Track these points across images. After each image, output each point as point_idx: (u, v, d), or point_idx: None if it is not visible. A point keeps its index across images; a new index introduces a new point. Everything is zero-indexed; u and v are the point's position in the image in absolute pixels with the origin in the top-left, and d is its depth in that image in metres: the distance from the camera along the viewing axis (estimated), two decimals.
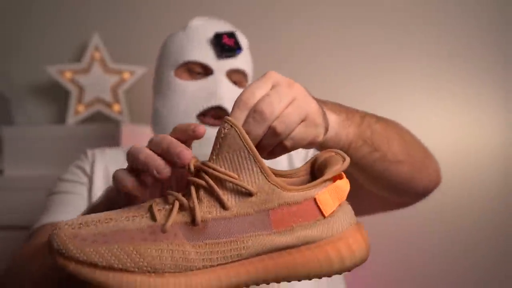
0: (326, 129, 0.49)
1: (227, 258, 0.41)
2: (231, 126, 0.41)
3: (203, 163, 0.42)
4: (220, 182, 0.41)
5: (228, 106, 0.79)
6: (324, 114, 0.49)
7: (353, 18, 1.29)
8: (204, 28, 0.85)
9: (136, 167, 0.43)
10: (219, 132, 0.41)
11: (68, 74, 1.31)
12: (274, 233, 0.41)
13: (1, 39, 1.44)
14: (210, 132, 0.78)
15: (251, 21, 1.32)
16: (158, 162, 0.42)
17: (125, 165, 0.46)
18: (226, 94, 0.79)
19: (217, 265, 0.41)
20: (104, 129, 1.20)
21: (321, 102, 0.51)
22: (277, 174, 0.45)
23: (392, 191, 0.67)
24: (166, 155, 0.42)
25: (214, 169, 0.41)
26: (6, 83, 1.42)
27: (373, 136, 0.60)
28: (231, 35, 0.83)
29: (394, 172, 0.63)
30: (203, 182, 0.41)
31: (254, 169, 0.41)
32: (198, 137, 0.43)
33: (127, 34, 1.38)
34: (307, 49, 1.30)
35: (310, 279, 0.44)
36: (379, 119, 0.63)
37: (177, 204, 0.41)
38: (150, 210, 0.42)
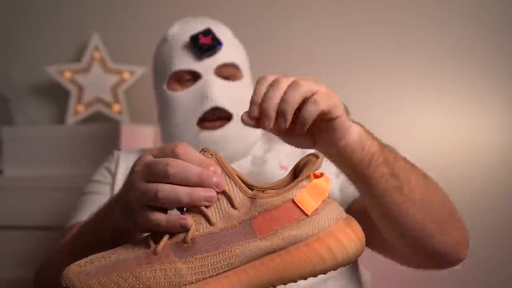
0: (347, 113, 0.53)
1: (218, 269, 0.43)
2: (211, 155, 0.45)
3: None
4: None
5: (224, 104, 0.78)
6: (345, 108, 0.53)
7: (354, 17, 1.29)
8: (181, 34, 0.84)
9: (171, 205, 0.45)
10: None
11: (68, 74, 1.31)
12: (260, 239, 0.43)
13: (1, 39, 1.44)
14: (212, 136, 0.78)
15: (248, 19, 1.32)
16: (207, 194, 0.44)
17: None
18: (219, 93, 0.79)
19: (209, 277, 0.43)
20: (104, 129, 1.20)
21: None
22: (265, 187, 0.47)
23: (404, 239, 0.64)
24: (197, 185, 0.44)
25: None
26: (6, 83, 1.42)
27: (395, 162, 0.59)
28: (207, 32, 0.81)
29: (407, 212, 0.60)
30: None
31: (234, 188, 0.44)
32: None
33: (127, 34, 1.38)
34: (305, 47, 1.30)
35: (305, 278, 0.44)
36: (405, 159, 0.62)
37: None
38: (145, 240, 0.46)
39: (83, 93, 1.31)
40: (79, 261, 0.45)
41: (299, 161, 0.48)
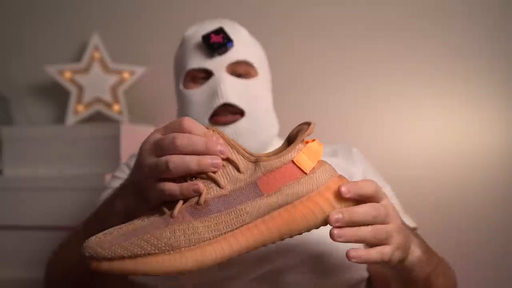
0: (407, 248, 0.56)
1: (232, 226, 0.48)
2: (213, 130, 0.50)
3: None
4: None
5: (234, 101, 0.79)
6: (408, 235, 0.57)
7: (354, 18, 1.28)
8: (195, 34, 0.86)
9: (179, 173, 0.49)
10: None
11: (68, 74, 1.31)
12: (266, 196, 0.49)
13: (1, 39, 1.44)
14: (225, 131, 0.79)
15: (249, 21, 1.32)
16: (214, 161, 0.49)
17: None
18: (229, 89, 0.79)
19: (225, 233, 0.48)
20: (104, 129, 1.19)
21: (410, 231, 0.59)
22: (262, 155, 0.52)
23: None
24: (204, 153, 0.49)
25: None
26: (6, 83, 1.42)
27: (434, 271, 0.65)
28: (218, 31, 0.83)
29: None
30: (200, 175, 0.49)
31: (237, 156, 0.49)
32: None
33: (127, 34, 1.38)
34: (305, 49, 1.30)
35: (309, 230, 0.49)
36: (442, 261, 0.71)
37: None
38: (159, 209, 0.50)
39: (83, 93, 1.31)
40: (96, 235, 0.48)
41: (292, 131, 0.53)
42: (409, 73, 1.25)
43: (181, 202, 0.48)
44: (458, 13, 1.24)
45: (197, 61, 0.83)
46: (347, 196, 0.49)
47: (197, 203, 0.48)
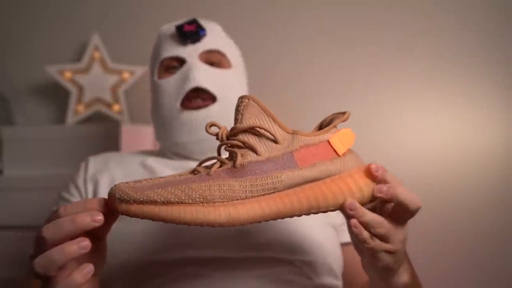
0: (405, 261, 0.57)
1: (265, 190, 0.48)
2: (248, 99, 0.51)
3: (233, 128, 0.51)
4: (249, 137, 0.51)
5: (206, 85, 0.79)
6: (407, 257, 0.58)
7: (353, 19, 1.29)
8: (169, 28, 0.87)
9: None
10: (238, 106, 0.51)
11: (68, 74, 1.31)
12: (300, 169, 0.50)
13: (1, 39, 1.44)
14: (194, 116, 0.79)
15: (248, 21, 1.32)
16: (94, 217, 0.47)
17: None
18: (201, 75, 0.79)
19: (258, 196, 0.48)
20: (104, 129, 1.19)
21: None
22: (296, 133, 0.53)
23: None
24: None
25: (243, 127, 0.50)
26: (6, 83, 1.42)
27: None
28: (192, 22, 0.84)
29: None
30: (235, 141, 0.50)
31: (274, 126, 0.51)
32: (98, 224, 0.48)
33: (127, 34, 1.38)
34: (304, 50, 1.30)
35: (336, 209, 0.50)
36: None
37: (214, 161, 0.50)
38: (193, 171, 0.50)
39: (83, 93, 1.31)
40: (126, 181, 0.48)
41: (326, 118, 0.55)
42: (408, 74, 1.25)
43: (218, 163, 0.49)
44: (458, 14, 1.24)
45: (171, 50, 0.83)
46: (375, 173, 0.51)
47: (233, 166, 0.49)
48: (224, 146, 0.51)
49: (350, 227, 0.50)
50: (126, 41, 1.38)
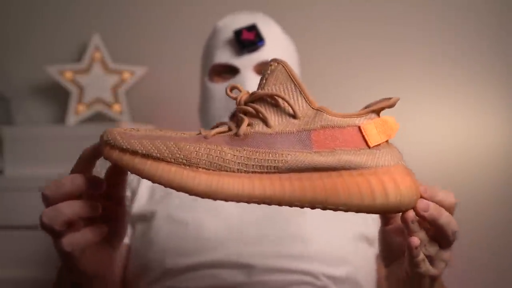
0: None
1: (263, 168, 0.41)
2: (277, 63, 0.43)
3: (253, 93, 0.44)
4: (265, 106, 0.43)
5: None
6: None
7: (354, 17, 1.28)
8: (227, 27, 0.84)
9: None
10: (265, 69, 0.44)
11: (68, 74, 1.31)
12: (315, 152, 0.41)
13: (1, 39, 1.44)
14: None
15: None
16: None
17: None
18: (254, 88, 0.77)
19: (252, 172, 0.41)
20: (104, 129, 1.19)
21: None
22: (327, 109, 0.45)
23: None
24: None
25: (261, 93, 0.43)
26: (6, 83, 1.42)
27: None
28: (251, 28, 0.81)
29: None
30: (249, 108, 0.44)
31: (299, 98, 0.43)
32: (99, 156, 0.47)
33: (127, 34, 1.38)
34: (304, 47, 1.30)
35: (348, 210, 0.41)
36: None
37: (224, 126, 0.45)
38: (200, 132, 0.44)
39: (84, 93, 1.31)
40: (124, 127, 0.46)
41: (373, 102, 0.46)
42: (408, 73, 1.25)
43: (220, 129, 0.44)
44: (459, 13, 1.24)
45: (225, 56, 0.81)
46: (425, 195, 0.44)
47: (236, 134, 0.43)
48: (238, 111, 0.45)
49: (410, 245, 0.43)
50: (126, 41, 1.38)
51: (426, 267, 0.45)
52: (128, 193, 0.84)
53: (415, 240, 0.42)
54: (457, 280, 1.20)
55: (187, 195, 0.75)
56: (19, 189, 1.17)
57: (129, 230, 0.80)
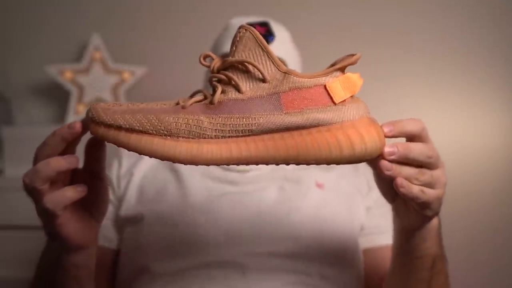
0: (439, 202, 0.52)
1: (238, 132, 0.45)
2: (245, 30, 0.46)
3: (224, 61, 0.47)
4: (237, 73, 0.46)
5: None
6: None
7: (354, 18, 1.29)
8: (239, 24, 0.84)
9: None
10: (235, 37, 0.46)
11: (68, 74, 1.31)
12: (285, 113, 0.45)
13: (1, 39, 1.44)
14: None
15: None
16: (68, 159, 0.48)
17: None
18: None
19: (229, 136, 0.45)
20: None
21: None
22: (294, 71, 0.47)
23: None
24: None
25: (231, 60, 0.46)
26: (6, 83, 1.42)
27: (441, 271, 0.65)
28: (263, 24, 0.81)
29: None
30: (222, 76, 0.46)
31: (267, 62, 0.46)
32: (75, 133, 0.48)
33: (127, 34, 1.38)
34: (305, 50, 1.30)
35: (319, 163, 0.45)
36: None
37: (200, 94, 0.48)
38: (178, 102, 0.48)
39: (84, 93, 1.31)
40: (107, 102, 0.48)
41: (337, 59, 0.48)
42: (408, 74, 1.25)
43: (196, 98, 0.47)
44: (459, 14, 1.24)
45: None
46: (390, 134, 0.46)
47: (211, 102, 0.46)
48: (212, 79, 0.48)
49: (397, 187, 0.46)
50: (126, 41, 1.38)
51: (427, 194, 0.48)
52: (112, 198, 0.83)
53: (399, 181, 0.45)
54: (457, 280, 1.20)
55: (176, 197, 0.75)
56: (19, 189, 1.15)
57: (115, 235, 0.80)
